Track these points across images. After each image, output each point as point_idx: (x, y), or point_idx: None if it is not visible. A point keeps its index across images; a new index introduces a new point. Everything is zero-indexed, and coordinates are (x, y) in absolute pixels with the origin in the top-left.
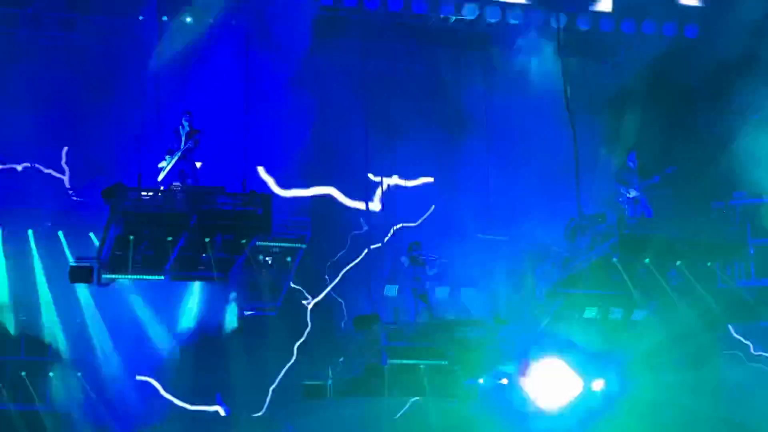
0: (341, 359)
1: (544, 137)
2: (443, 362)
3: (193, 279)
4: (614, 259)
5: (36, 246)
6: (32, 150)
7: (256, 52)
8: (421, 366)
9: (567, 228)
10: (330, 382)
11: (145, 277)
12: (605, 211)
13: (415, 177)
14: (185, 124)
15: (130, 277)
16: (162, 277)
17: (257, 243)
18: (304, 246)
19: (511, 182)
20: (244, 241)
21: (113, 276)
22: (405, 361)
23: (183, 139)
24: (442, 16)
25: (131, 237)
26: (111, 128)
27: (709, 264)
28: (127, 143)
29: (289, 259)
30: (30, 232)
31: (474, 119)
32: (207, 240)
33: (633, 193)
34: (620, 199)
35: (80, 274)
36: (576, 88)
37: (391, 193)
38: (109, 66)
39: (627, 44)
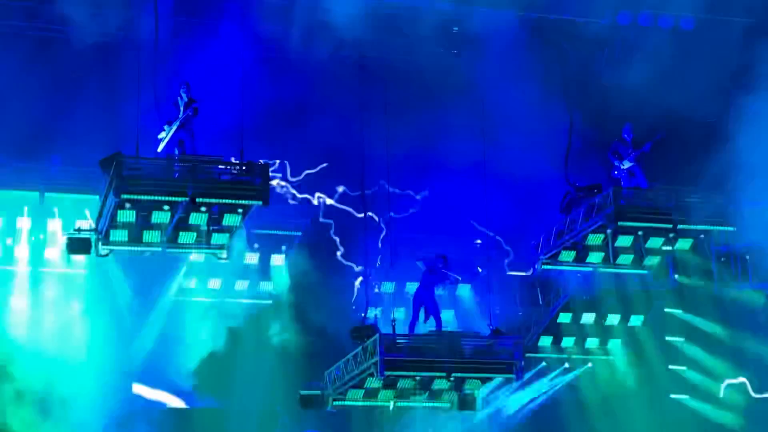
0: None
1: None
2: (441, 374)
3: (191, 251)
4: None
5: None
6: None
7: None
8: (417, 377)
9: (562, 201)
10: (327, 391)
11: (142, 248)
12: (600, 183)
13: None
14: (183, 94)
15: (127, 248)
16: (159, 249)
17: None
18: (299, 234)
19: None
20: (241, 210)
21: (111, 247)
22: (402, 373)
23: (181, 109)
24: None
25: (129, 207)
26: (109, 99)
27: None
28: (125, 114)
29: (283, 247)
30: None
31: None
32: (203, 210)
33: (627, 165)
34: (615, 172)
35: (78, 246)
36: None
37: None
38: (106, 42)
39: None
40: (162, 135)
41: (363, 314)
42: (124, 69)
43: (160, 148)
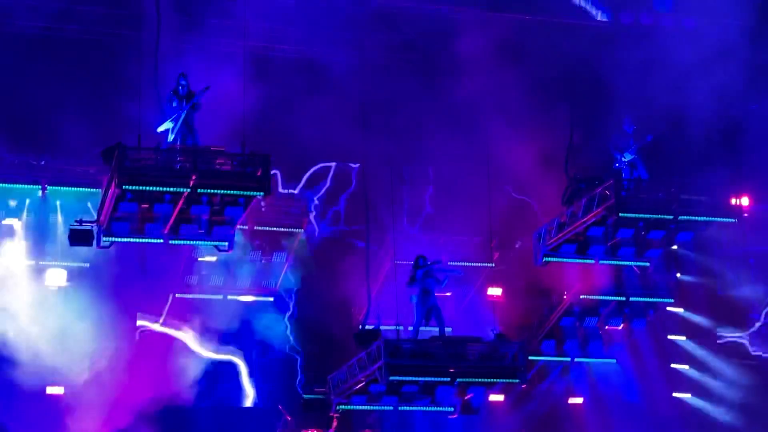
0: None
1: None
2: (445, 379)
3: (193, 243)
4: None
5: None
6: None
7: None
8: (421, 382)
9: (564, 193)
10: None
11: (144, 239)
12: (601, 174)
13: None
14: (184, 84)
15: (129, 239)
16: (161, 240)
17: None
18: (302, 230)
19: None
20: (242, 201)
21: (113, 239)
22: (406, 378)
23: (183, 101)
24: None
25: (130, 198)
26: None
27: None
28: (127, 104)
29: (285, 243)
30: None
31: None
32: (205, 200)
33: (628, 157)
34: (616, 164)
35: (80, 237)
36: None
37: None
38: (107, 37)
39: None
40: (165, 126)
41: (363, 321)
42: (125, 62)
43: (170, 138)
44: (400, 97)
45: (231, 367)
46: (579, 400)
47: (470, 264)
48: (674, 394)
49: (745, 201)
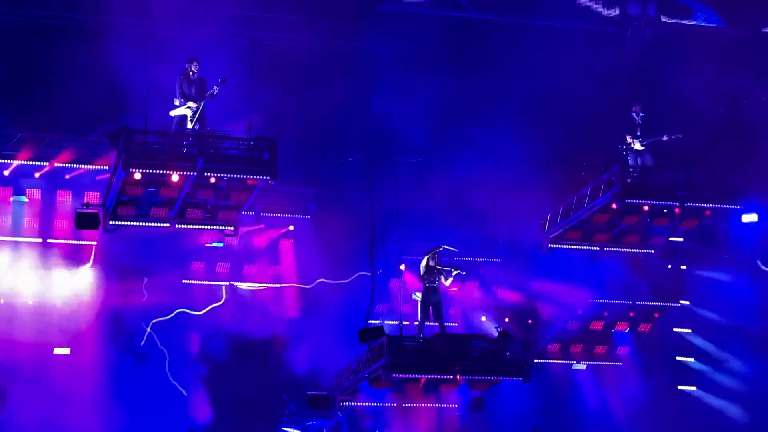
0: None
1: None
2: (448, 376)
3: (199, 227)
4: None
5: None
6: None
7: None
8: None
9: (569, 180)
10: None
11: (150, 224)
12: (607, 161)
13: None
14: (195, 70)
15: (135, 223)
16: (167, 224)
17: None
18: (308, 217)
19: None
20: (249, 185)
21: (119, 222)
22: (409, 375)
23: (194, 87)
24: None
25: (137, 181)
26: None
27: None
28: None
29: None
30: None
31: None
32: (211, 184)
33: (637, 145)
34: (623, 147)
35: (87, 221)
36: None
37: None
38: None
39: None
40: (178, 112)
41: (367, 316)
42: (132, 45)
43: (190, 126)
44: (401, 96)
45: (231, 354)
46: (582, 367)
47: (476, 259)
48: (679, 387)
49: (754, 217)
